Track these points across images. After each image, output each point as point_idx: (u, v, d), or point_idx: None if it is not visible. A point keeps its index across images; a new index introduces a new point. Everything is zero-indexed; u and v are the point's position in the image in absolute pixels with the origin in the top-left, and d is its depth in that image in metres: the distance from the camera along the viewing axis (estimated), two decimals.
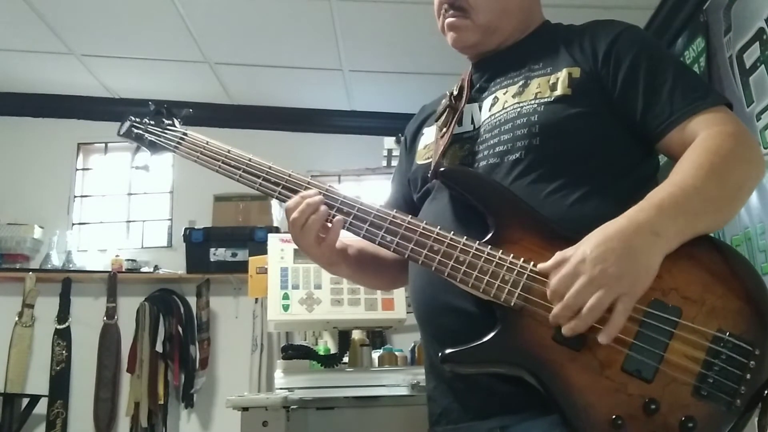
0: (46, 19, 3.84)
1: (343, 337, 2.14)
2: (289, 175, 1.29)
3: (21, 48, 4.19)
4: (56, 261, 4.57)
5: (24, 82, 4.64)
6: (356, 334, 2.22)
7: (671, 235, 1.00)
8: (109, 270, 4.51)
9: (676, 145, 1.12)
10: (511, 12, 1.31)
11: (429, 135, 1.36)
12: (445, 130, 1.30)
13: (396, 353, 2.30)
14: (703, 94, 1.14)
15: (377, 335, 3.29)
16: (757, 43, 2.72)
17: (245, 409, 1.79)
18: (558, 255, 1.02)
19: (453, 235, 1.11)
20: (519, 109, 1.20)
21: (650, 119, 1.14)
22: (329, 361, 2.09)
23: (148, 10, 3.74)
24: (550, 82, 1.20)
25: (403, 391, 1.87)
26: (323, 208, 1.21)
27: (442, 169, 1.20)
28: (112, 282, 4.48)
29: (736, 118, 1.14)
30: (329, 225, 1.22)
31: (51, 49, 4.15)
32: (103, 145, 5.03)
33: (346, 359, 2.14)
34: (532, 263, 1.05)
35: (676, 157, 1.11)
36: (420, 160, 1.36)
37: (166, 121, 1.48)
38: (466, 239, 1.10)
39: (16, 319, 4.42)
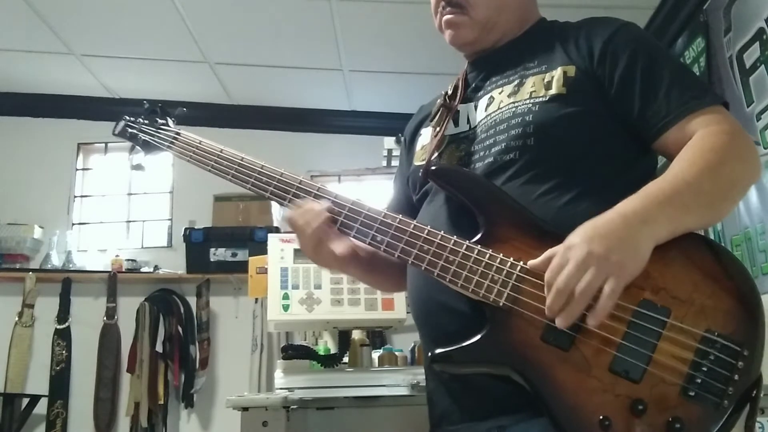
0: (47, 20, 3.84)
1: (343, 337, 2.14)
2: (281, 174, 1.29)
3: (21, 48, 4.20)
4: (56, 261, 4.57)
5: (24, 82, 4.64)
6: (356, 334, 2.21)
7: (660, 224, 0.99)
8: (109, 270, 4.52)
9: (672, 144, 1.12)
10: (508, 8, 1.30)
11: (426, 136, 1.36)
12: (438, 129, 1.29)
13: (396, 353, 2.29)
14: (699, 93, 1.14)
15: (377, 335, 3.29)
16: (757, 43, 2.72)
17: (245, 409, 1.79)
18: (548, 251, 1.02)
19: (443, 234, 1.11)
20: (514, 109, 1.19)
21: (647, 118, 1.14)
22: (329, 361, 2.08)
23: (148, 10, 3.74)
24: (545, 80, 1.19)
25: (403, 391, 1.86)
26: (318, 223, 1.21)
27: (432, 167, 1.20)
28: (112, 282, 4.48)
29: (733, 118, 1.14)
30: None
31: (51, 49, 4.15)
32: (103, 145, 5.04)
33: (346, 359, 2.14)
34: (521, 263, 1.05)
35: (672, 157, 1.11)
36: (417, 162, 1.36)
37: (160, 121, 1.50)
38: (456, 239, 1.10)
39: (16, 319, 4.42)
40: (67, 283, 4.52)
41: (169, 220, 4.88)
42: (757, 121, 2.69)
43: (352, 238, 1.23)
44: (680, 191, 1.02)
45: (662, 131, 1.12)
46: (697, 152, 1.07)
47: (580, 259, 0.96)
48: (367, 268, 1.38)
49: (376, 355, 2.27)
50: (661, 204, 1.01)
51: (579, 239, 0.98)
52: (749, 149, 1.12)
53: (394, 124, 4.00)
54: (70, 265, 4.56)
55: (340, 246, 1.24)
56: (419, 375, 1.83)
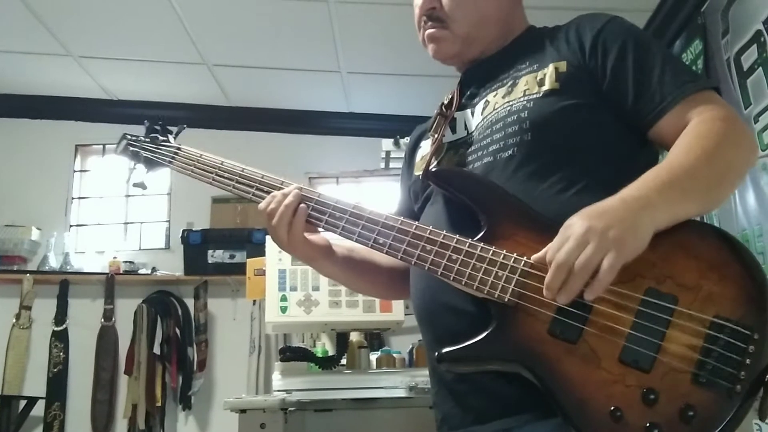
0: (45, 21, 3.84)
1: (341, 339, 2.15)
2: (282, 183, 1.32)
3: (19, 50, 4.19)
4: (54, 263, 4.56)
5: (22, 83, 4.63)
6: (354, 336, 2.22)
7: (659, 209, 1.00)
8: (107, 272, 4.51)
9: (667, 132, 1.12)
10: (489, 21, 1.32)
11: (425, 147, 1.37)
12: (436, 136, 1.30)
13: (394, 355, 2.29)
14: (691, 78, 1.15)
15: (375, 337, 3.29)
16: (755, 45, 2.73)
17: (243, 411, 1.79)
18: (550, 244, 1.02)
19: (445, 234, 1.12)
20: (509, 108, 1.20)
21: (641, 106, 1.14)
22: (327, 363, 2.09)
23: (146, 11, 3.74)
24: (538, 78, 1.20)
25: (401, 393, 1.87)
26: (290, 199, 1.25)
27: (432, 169, 1.21)
28: (110, 284, 4.47)
29: (726, 103, 1.15)
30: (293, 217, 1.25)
31: (49, 50, 4.14)
32: (101, 146, 5.02)
33: (343, 361, 2.14)
34: (525, 258, 1.05)
35: (669, 144, 1.11)
36: (417, 171, 1.36)
37: (161, 137, 1.51)
38: (459, 237, 1.10)
39: (14, 320, 4.41)
40: (64, 284, 4.51)
41: (166, 221, 4.87)
42: (755, 123, 2.69)
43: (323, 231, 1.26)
44: (678, 177, 1.03)
45: (657, 118, 1.13)
46: (693, 139, 1.07)
47: (580, 234, 0.96)
48: (344, 267, 1.38)
49: (374, 357, 2.27)
50: (660, 190, 1.01)
51: (578, 218, 0.99)
52: (744, 134, 1.13)
53: (392, 126, 4.01)
54: (68, 267, 4.56)
55: (312, 235, 1.29)
56: (417, 377, 1.83)
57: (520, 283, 1.03)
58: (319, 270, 1.40)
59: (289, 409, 1.81)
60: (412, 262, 1.14)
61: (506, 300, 1.04)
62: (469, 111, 1.31)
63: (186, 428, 4.40)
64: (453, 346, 1.05)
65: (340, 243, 1.34)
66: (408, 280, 1.29)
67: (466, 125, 1.30)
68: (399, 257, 1.15)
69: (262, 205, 1.29)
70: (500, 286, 1.04)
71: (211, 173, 1.38)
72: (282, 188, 1.30)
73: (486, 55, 1.34)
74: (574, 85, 1.17)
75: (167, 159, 1.47)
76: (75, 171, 4.98)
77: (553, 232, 1.02)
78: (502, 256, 1.06)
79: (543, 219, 1.08)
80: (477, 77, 1.34)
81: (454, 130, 1.31)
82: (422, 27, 1.34)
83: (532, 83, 1.20)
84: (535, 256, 1.03)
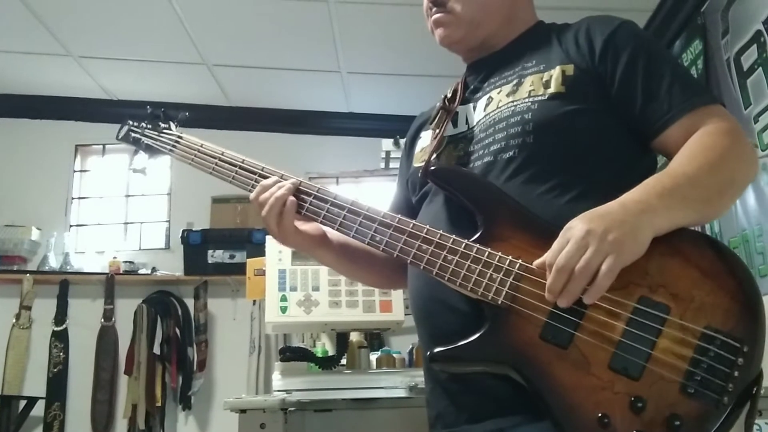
0: (45, 21, 3.84)
1: (341, 339, 2.14)
2: (281, 176, 1.31)
3: (19, 50, 4.19)
4: (54, 263, 4.56)
5: (22, 83, 4.64)
6: (354, 336, 2.21)
7: (659, 215, 1.00)
8: (107, 272, 4.51)
9: (672, 142, 1.12)
10: (491, 7, 1.31)
11: (425, 138, 1.37)
12: (437, 131, 1.30)
13: (394, 355, 2.29)
14: (699, 91, 1.15)
15: (375, 337, 3.28)
16: (755, 45, 2.73)
17: (243, 411, 1.78)
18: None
19: (442, 233, 1.12)
20: (513, 108, 1.20)
21: (648, 115, 1.14)
22: (327, 363, 2.08)
23: (146, 12, 3.74)
24: (544, 79, 1.20)
25: (401, 393, 1.86)
26: (282, 191, 1.25)
27: (431, 168, 1.20)
28: (110, 284, 4.48)
29: (733, 117, 1.15)
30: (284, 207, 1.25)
31: (49, 50, 4.15)
32: (101, 146, 5.03)
33: (343, 361, 2.14)
34: (520, 260, 1.05)
35: (672, 154, 1.11)
36: (416, 163, 1.36)
37: (163, 125, 1.51)
38: (455, 238, 1.10)
39: (14, 320, 4.42)
40: (64, 284, 4.51)
41: (166, 221, 4.87)
42: (755, 123, 2.69)
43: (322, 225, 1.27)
44: (680, 184, 1.03)
45: (664, 128, 1.13)
46: (697, 149, 1.08)
47: (579, 238, 0.97)
48: (341, 256, 1.38)
49: (373, 357, 2.26)
50: (661, 195, 1.01)
51: (578, 221, 1.00)
52: (748, 148, 1.14)
53: (391, 126, 4.01)
54: (68, 267, 4.56)
55: (305, 225, 1.29)
56: (417, 377, 1.83)
57: (513, 286, 1.04)
58: (315, 258, 1.40)
59: (289, 409, 1.81)
60: (408, 261, 1.14)
61: (499, 302, 1.04)
62: (471, 105, 1.30)
63: (186, 428, 4.40)
64: (446, 345, 1.06)
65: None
66: (405, 270, 1.29)
67: (467, 120, 1.29)
68: (395, 255, 1.15)
69: (252, 194, 1.29)
70: (494, 288, 1.04)
71: (212, 163, 1.38)
72: (282, 179, 1.30)
73: (492, 46, 1.33)
74: (579, 90, 1.17)
75: (168, 146, 1.47)
76: (75, 171, 4.98)
77: (550, 236, 1.03)
78: (497, 258, 1.06)
79: (540, 222, 1.08)
80: (482, 71, 1.33)
81: (455, 125, 1.31)
82: (429, 15, 1.34)
83: (538, 84, 1.20)
84: (536, 262, 1.03)
